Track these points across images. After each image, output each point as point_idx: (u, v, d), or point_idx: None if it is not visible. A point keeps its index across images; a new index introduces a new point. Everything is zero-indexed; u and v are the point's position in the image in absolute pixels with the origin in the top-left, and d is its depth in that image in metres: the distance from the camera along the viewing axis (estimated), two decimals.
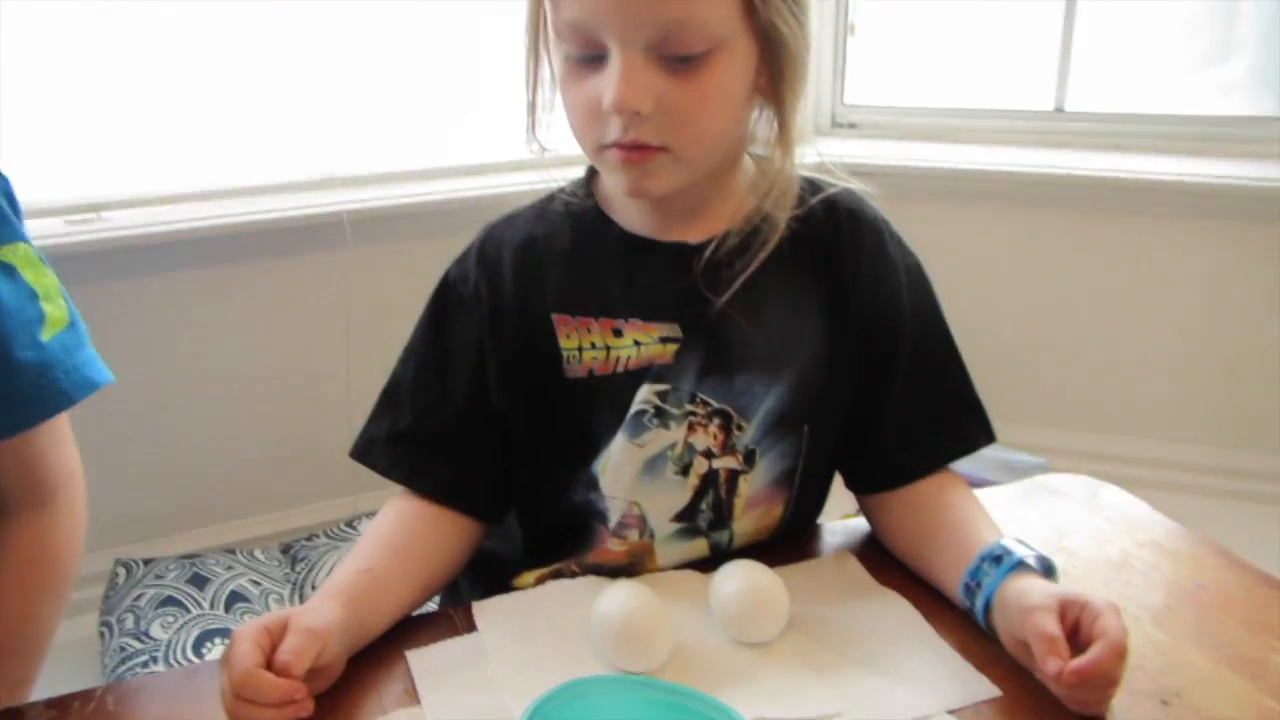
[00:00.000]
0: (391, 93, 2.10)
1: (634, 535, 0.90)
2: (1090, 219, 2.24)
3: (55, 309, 0.86)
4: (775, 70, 0.83)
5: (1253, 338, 2.19)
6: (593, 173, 0.93)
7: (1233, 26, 2.44)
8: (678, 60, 0.78)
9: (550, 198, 0.95)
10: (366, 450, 0.95)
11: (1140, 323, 2.26)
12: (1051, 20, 2.33)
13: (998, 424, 0.96)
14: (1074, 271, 2.28)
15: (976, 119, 2.42)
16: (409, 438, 0.93)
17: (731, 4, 0.79)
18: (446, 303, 0.94)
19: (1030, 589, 0.77)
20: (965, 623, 0.83)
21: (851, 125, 2.46)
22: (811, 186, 0.92)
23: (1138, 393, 2.29)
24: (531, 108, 0.89)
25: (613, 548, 0.90)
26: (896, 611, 0.85)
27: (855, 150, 2.25)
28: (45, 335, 0.84)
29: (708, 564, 0.88)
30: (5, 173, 0.87)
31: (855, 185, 0.94)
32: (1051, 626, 0.73)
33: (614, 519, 0.90)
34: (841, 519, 1.03)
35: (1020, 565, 0.79)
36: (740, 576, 0.82)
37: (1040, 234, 2.29)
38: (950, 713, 0.73)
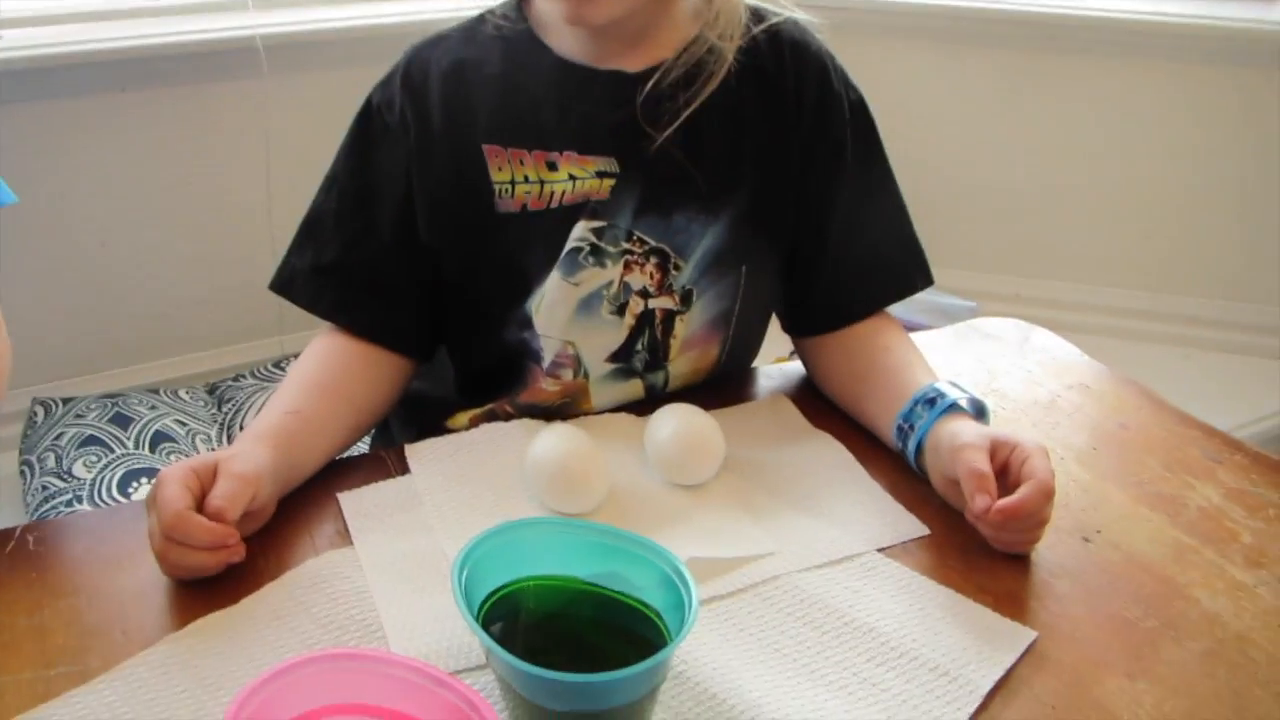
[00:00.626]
0: None
1: (568, 375, 0.89)
2: (1027, 58, 2.21)
3: None
4: None
5: (1183, 181, 2.21)
6: None
7: None
8: None
9: (480, 19, 0.90)
10: (289, 284, 0.92)
11: (1073, 166, 2.26)
12: None
13: (930, 268, 0.96)
14: (1008, 113, 2.26)
15: None
16: (333, 271, 0.90)
17: None
18: (370, 129, 0.90)
19: (962, 430, 0.78)
20: (896, 465, 0.84)
21: None
22: (755, 16, 0.88)
23: (1068, 238, 2.31)
24: None
25: (546, 387, 0.89)
26: (829, 454, 0.85)
27: None
28: None
29: (643, 407, 0.88)
30: None
31: (799, 15, 0.91)
32: (981, 464, 0.74)
33: (548, 358, 0.88)
34: (775, 362, 1.03)
35: (953, 407, 0.80)
36: (675, 419, 0.81)
37: (976, 73, 2.25)
38: (879, 551, 0.75)
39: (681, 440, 0.80)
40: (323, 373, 0.88)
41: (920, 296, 0.97)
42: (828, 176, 0.90)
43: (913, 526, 0.77)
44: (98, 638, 0.67)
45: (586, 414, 0.90)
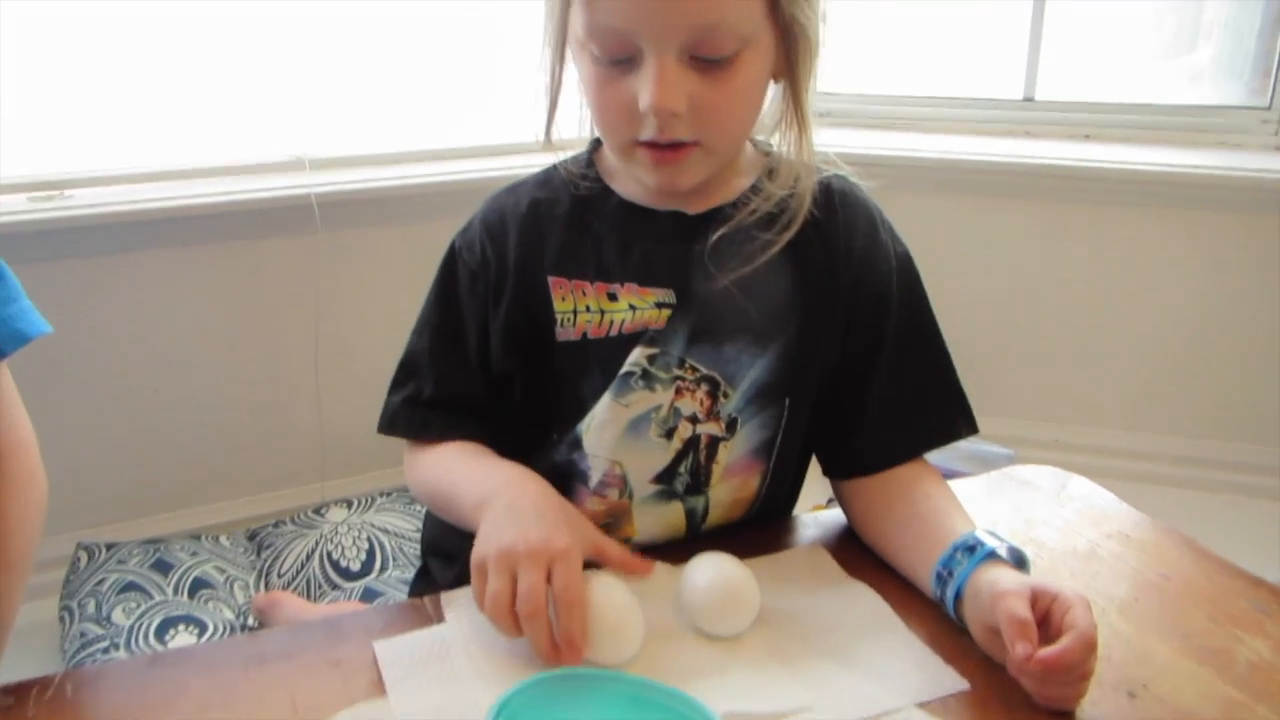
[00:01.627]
0: (361, 76, 2.08)
1: (614, 495, 0.92)
2: (1059, 208, 2.26)
3: None
4: (792, 54, 0.86)
5: (1218, 327, 2.21)
6: (594, 148, 0.96)
7: (1200, 14, 2.46)
8: (709, 62, 0.81)
9: (553, 169, 0.97)
10: (393, 422, 0.97)
11: (1108, 313, 2.28)
12: (1021, 9, 2.33)
13: (975, 416, 0.97)
14: (1043, 261, 2.29)
15: (947, 108, 2.43)
16: (434, 403, 0.96)
17: (758, 4, 0.81)
18: (455, 273, 0.96)
19: (1002, 578, 0.77)
20: (935, 616, 0.83)
21: (822, 113, 2.46)
22: (806, 169, 0.93)
23: (1105, 383, 2.31)
24: (552, 107, 0.91)
25: (591, 507, 0.92)
26: (866, 604, 0.85)
27: (826, 139, 2.24)
28: None
29: (679, 554, 0.88)
30: None
31: (847, 172, 0.97)
32: (1022, 611, 0.73)
33: (595, 478, 0.92)
34: (813, 510, 1.03)
35: (992, 555, 0.80)
36: (711, 569, 0.81)
37: (1010, 223, 2.30)
38: (919, 706, 0.73)
39: (717, 591, 0.80)
40: (466, 448, 0.94)
41: (957, 444, 0.97)
42: (873, 322, 0.93)
43: (953, 681, 0.76)
44: None
45: (629, 540, 0.92)
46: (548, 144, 0.93)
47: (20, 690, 0.76)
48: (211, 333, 1.97)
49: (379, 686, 0.75)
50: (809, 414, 0.95)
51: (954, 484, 1.02)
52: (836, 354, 0.94)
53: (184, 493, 2.00)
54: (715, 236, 0.89)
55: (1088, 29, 2.41)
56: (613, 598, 0.77)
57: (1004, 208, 2.29)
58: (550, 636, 0.73)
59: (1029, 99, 2.37)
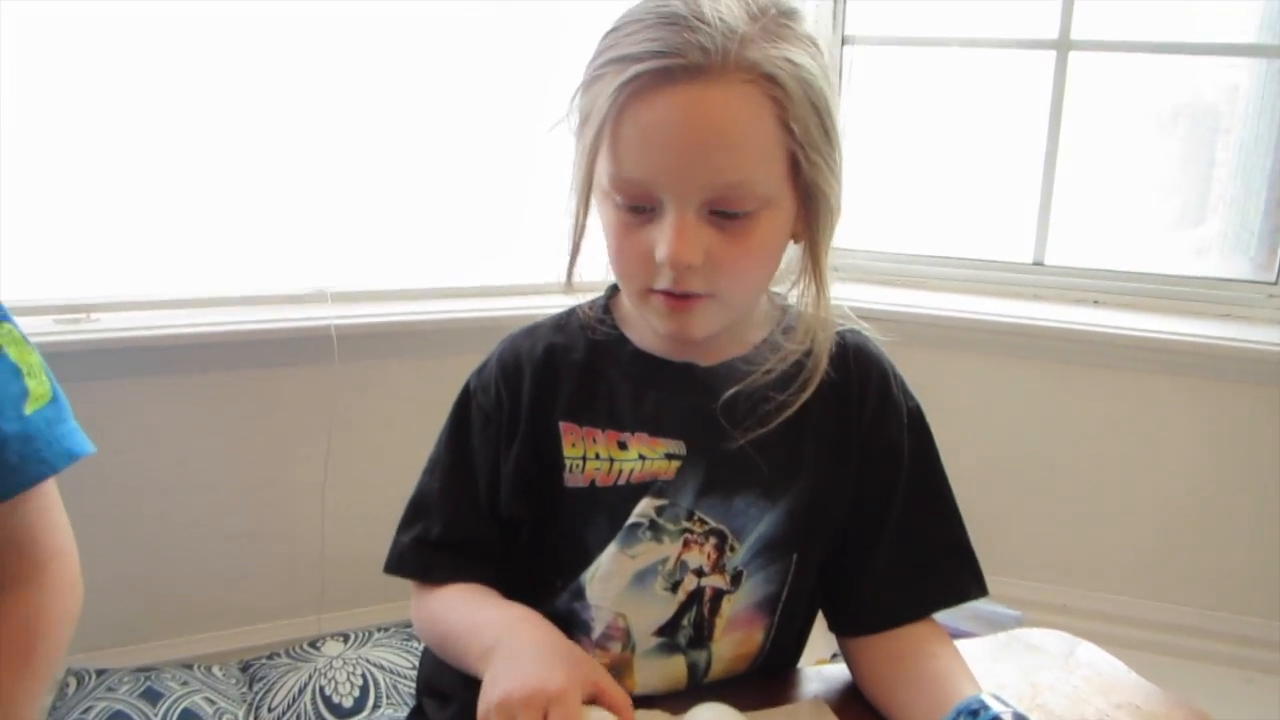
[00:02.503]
0: (387, 211, 2.14)
1: (616, 648, 0.91)
2: (1068, 370, 2.28)
3: (38, 385, 0.90)
4: (811, 217, 0.87)
5: (1226, 496, 2.20)
6: (612, 294, 0.97)
7: (1207, 191, 2.53)
8: (727, 217, 0.82)
9: (570, 312, 0.98)
10: (399, 562, 0.97)
11: (1117, 477, 2.27)
12: (1032, 174, 2.40)
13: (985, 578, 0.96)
14: (1051, 422, 2.30)
15: (956, 268, 2.47)
16: (442, 545, 0.95)
17: (780, 167, 0.83)
18: (468, 414, 0.97)
19: None
20: None
21: (833, 267, 2.51)
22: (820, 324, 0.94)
23: (1113, 548, 2.28)
24: (574, 252, 0.91)
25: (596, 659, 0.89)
26: None
27: (837, 292, 2.28)
28: (28, 409, 0.88)
29: (680, 703, 0.86)
30: None
31: (862, 327, 0.98)
32: None
33: (598, 629, 0.90)
34: (817, 664, 1.01)
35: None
36: (708, 716, 0.80)
37: (1017, 385, 2.31)
38: None
39: None
40: (472, 591, 0.93)
41: (964, 605, 0.96)
42: (884, 479, 0.93)
43: None
44: None
45: (629, 693, 0.89)
46: (569, 287, 0.94)
47: None
48: (223, 459, 1.97)
49: None
50: (816, 569, 0.94)
51: (960, 644, 1.00)
52: (846, 510, 0.93)
53: (180, 620, 1.98)
54: (729, 394, 0.89)
55: (1097, 198, 2.48)
56: None
57: (1013, 368, 2.31)
58: None
59: (1039, 263, 2.42)
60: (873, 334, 0.98)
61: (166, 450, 1.91)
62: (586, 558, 0.91)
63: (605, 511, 0.90)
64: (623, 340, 0.94)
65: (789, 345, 0.91)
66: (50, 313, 1.82)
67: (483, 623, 0.88)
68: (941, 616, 0.95)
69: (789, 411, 0.89)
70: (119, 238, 1.92)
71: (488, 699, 0.77)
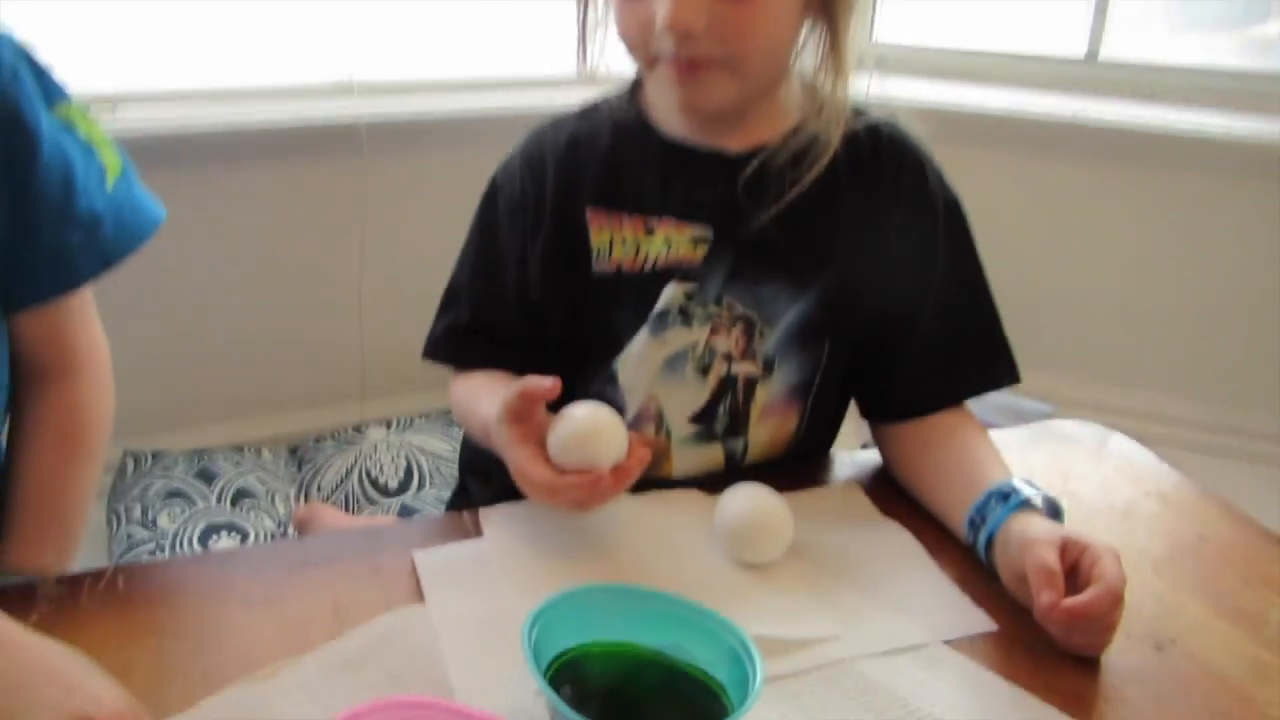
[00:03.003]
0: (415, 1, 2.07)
1: (650, 430, 0.93)
2: (1117, 169, 2.22)
3: (110, 156, 0.90)
4: None
5: (1274, 298, 2.17)
6: (637, 83, 0.95)
7: None
8: None
9: (595, 105, 0.97)
10: (434, 349, 1.00)
11: (1161, 277, 2.24)
12: None
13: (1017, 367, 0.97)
14: (1097, 220, 2.26)
15: (1008, 63, 2.38)
16: (471, 331, 0.98)
17: None
18: (495, 206, 0.97)
19: (1033, 526, 0.78)
20: (967, 559, 0.84)
21: (880, 62, 2.42)
22: (855, 111, 0.93)
23: (1152, 347, 2.28)
24: (582, 30, 0.91)
25: None
26: (898, 543, 0.85)
27: (883, 88, 2.21)
28: (109, 184, 0.89)
29: (716, 484, 0.89)
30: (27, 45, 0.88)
31: (902, 119, 0.96)
32: (1050, 560, 0.73)
33: (631, 412, 0.92)
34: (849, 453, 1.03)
35: (1027, 504, 0.80)
36: (746, 498, 0.82)
37: (1065, 181, 2.26)
38: (946, 644, 0.74)
39: (750, 518, 0.81)
40: (496, 377, 0.95)
41: (996, 398, 0.97)
42: (919, 268, 0.93)
43: (981, 621, 0.77)
44: (178, 676, 0.69)
45: (667, 478, 0.93)
46: (583, 73, 0.93)
47: (74, 582, 0.79)
48: (258, 253, 1.99)
49: (417, 594, 0.78)
50: (849, 357, 0.95)
51: (993, 434, 1.02)
52: (880, 298, 0.93)
53: (228, 406, 2.04)
54: (749, 173, 0.89)
55: None
56: (592, 413, 0.80)
57: (1061, 164, 2.25)
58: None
59: (1092, 56, 2.32)
60: (910, 126, 0.96)
61: (199, 244, 1.92)
62: (615, 344, 0.92)
63: (632, 297, 0.91)
64: (649, 127, 0.93)
65: (812, 126, 0.90)
66: None
67: (487, 403, 0.89)
68: (972, 409, 0.96)
69: (801, 188, 0.88)
70: (144, 28, 1.88)
71: (524, 481, 0.80)
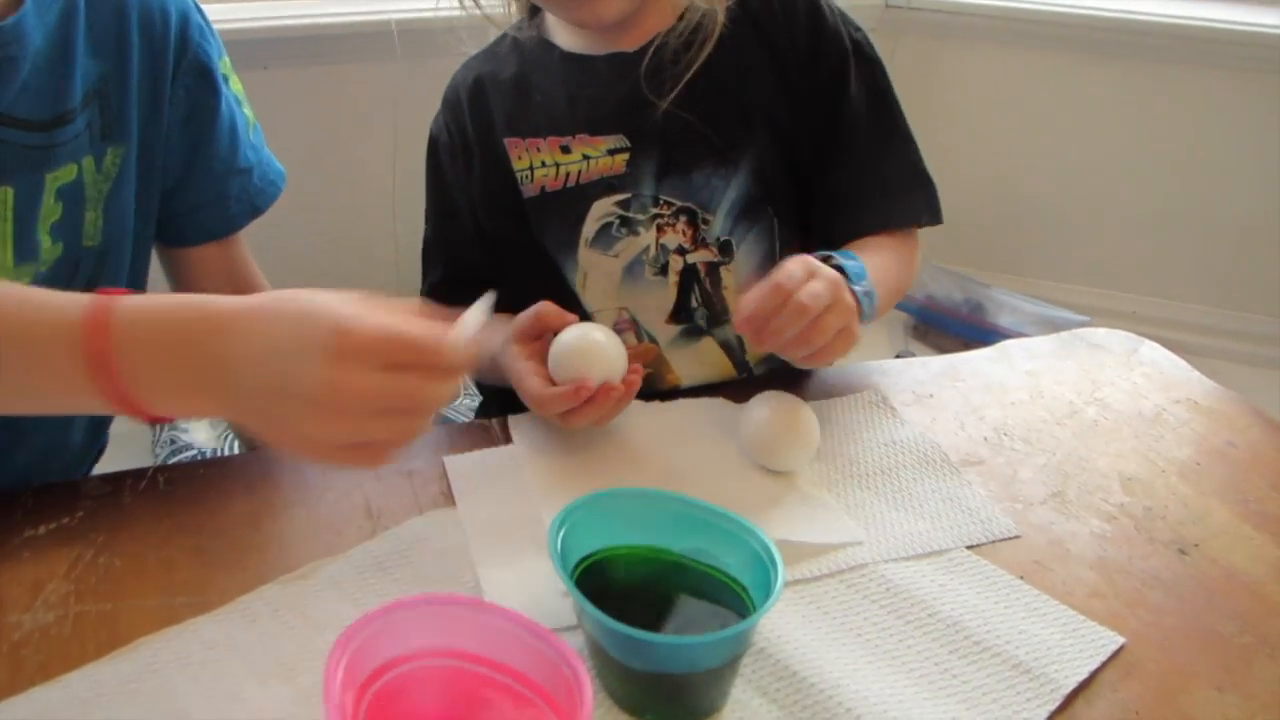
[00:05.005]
0: None
1: (631, 338, 0.95)
2: (1158, 70, 2.15)
3: (250, 112, 0.96)
4: None
5: None
6: (534, 8, 0.97)
7: None
8: None
9: (501, 38, 0.99)
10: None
11: (1200, 184, 2.19)
12: None
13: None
14: (1136, 126, 2.20)
15: None
16: (448, 284, 1.01)
17: None
18: (436, 157, 1.01)
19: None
20: (993, 470, 0.84)
21: None
22: None
23: (1188, 257, 2.24)
24: None
25: None
26: (924, 450, 0.86)
27: None
28: (253, 136, 0.96)
29: (741, 395, 0.90)
30: None
31: None
32: (759, 288, 0.75)
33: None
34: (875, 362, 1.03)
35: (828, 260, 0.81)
36: (771, 403, 0.83)
37: (1103, 83, 2.20)
38: (969, 548, 0.75)
39: (776, 425, 0.81)
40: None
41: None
42: (834, 108, 0.93)
43: (1004, 527, 0.77)
44: (219, 573, 0.72)
45: (675, 387, 0.94)
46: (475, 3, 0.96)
47: (117, 481, 0.81)
48: (292, 155, 1.97)
49: (448, 498, 0.79)
50: (800, 215, 0.96)
51: (1022, 343, 1.02)
52: (809, 152, 0.94)
53: None
54: (644, 66, 0.90)
55: None
56: (584, 331, 0.81)
57: (1099, 66, 2.19)
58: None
59: None
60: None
61: None
62: (550, 263, 0.94)
63: (557, 215, 0.93)
64: (549, 47, 0.95)
65: (699, 4, 0.89)
66: None
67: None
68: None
69: (696, 65, 0.89)
70: None
71: (521, 393, 0.83)
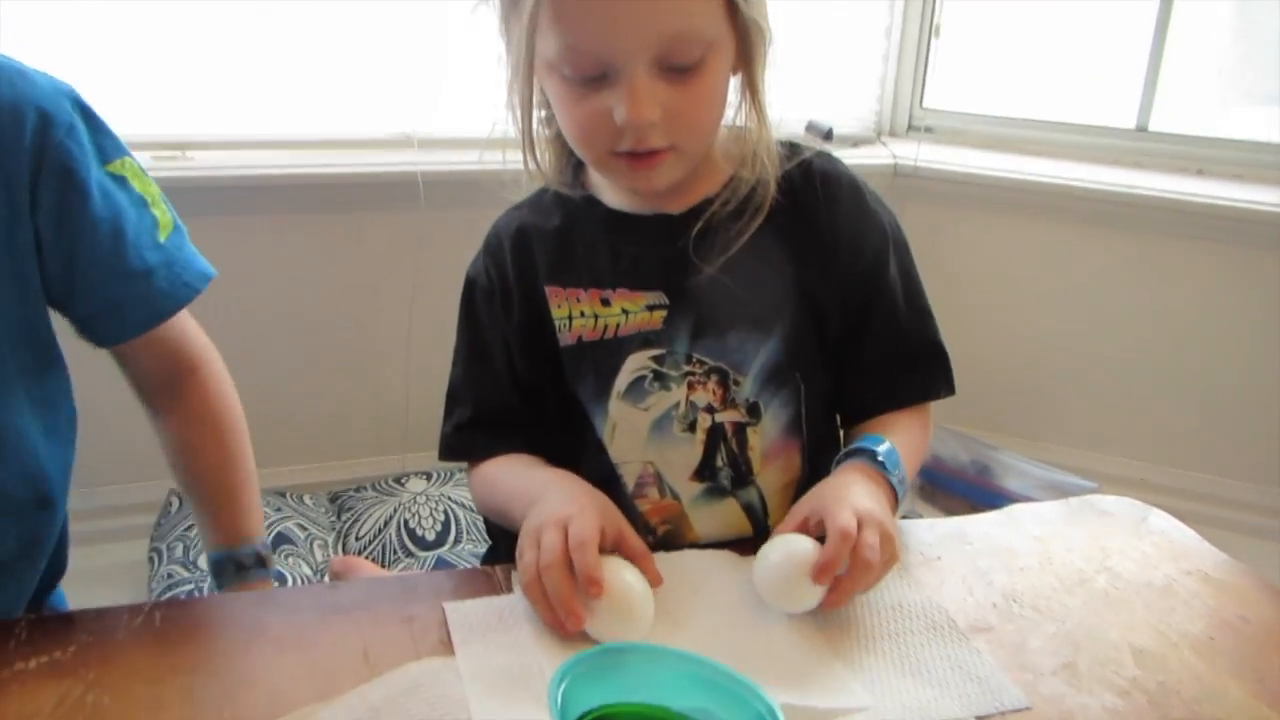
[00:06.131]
0: (475, 57, 2.11)
1: (654, 494, 0.95)
2: (1166, 243, 2.20)
3: (163, 214, 0.95)
4: (748, 49, 0.89)
5: None
6: (577, 164, 0.99)
7: None
8: (678, 70, 0.84)
9: (543, 190, 1.01)
10: (447, 450, 1.03)
11: (1207, 354, 2.21)
12: (1140, 38, 2.28)
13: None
14: (1144, 296, 2.24)
15: (1056, 132, 2.38)
16: (474, 425, 1.00)
17: (718, 8, 0.84)
18: (472, 300, 1.02)
19: (846, 484, 0.85)
20: (1000, 637, 0.83)
21: (928, 129, 2.43)
22: (789, 150, 0.97)
23: (1197, 426, 2.24)
24: (527, 132, 0.94)
25: (641, 509, 0.95)
26: (933, 615, 0.85)
27: (930, 155, 2.22)
28: (162, 237, 0.94)
29: (750, 549, 0.89)
30: (88, 101, 0.92)
31: (827, 149, 1.00)
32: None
33: (630, 481, 0.95)
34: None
35: (862, 453, 0.88)
36: (784, 545, 0.83)
37: (1113, 254, 2.25)
38: (978, 719, 0.73)
39: (787, 566, 0.80)
40: (514, 462, 0.98)
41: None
42: (873, 289, 0.97)
43: (1014, 698, 0.75)
44: (209, 714, 0.70)
45: (692, 545, 0.93)
46: (532, 176, 0.97)
47: (112, 615, 0.80)
48: (311, 300, 2.03)
49: (447, 646, 0.78)
50: (824, 381, 0.98)
51: (1031, 508, 1.01)
52: (837, 328, 0.97)
53: (272, 451, 2.05)
54: (694, 232, 0.93)
55: (1207, 63, 2.35)
56: (623, 576, 0.79)
57: (1109, 237, 2.24)
58: (569, 588, 0.77)
59: (1142, 129, 2.32)
60: (836, 156, 1.00)
61: (254, 288, 1.97)
62: (582, 412, 0.95)
63: (593, 367, 0.95)
64: (594, 202, 0.98)
65: (747, 177, 0.93)
66: (148, 149, 1.86)
67: (523, 486, 0.92)
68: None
69: (746, 236, 0.92)
70: (215, 76, 1.94)
71: (522, 532, 0.83)
